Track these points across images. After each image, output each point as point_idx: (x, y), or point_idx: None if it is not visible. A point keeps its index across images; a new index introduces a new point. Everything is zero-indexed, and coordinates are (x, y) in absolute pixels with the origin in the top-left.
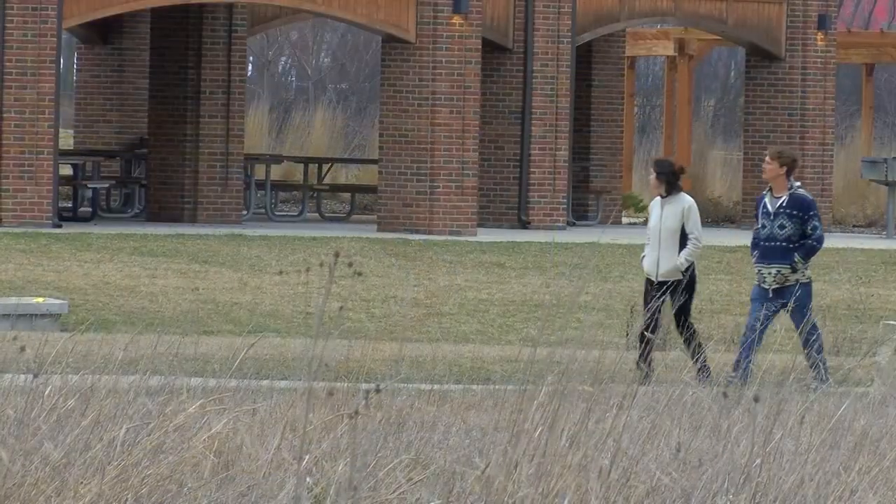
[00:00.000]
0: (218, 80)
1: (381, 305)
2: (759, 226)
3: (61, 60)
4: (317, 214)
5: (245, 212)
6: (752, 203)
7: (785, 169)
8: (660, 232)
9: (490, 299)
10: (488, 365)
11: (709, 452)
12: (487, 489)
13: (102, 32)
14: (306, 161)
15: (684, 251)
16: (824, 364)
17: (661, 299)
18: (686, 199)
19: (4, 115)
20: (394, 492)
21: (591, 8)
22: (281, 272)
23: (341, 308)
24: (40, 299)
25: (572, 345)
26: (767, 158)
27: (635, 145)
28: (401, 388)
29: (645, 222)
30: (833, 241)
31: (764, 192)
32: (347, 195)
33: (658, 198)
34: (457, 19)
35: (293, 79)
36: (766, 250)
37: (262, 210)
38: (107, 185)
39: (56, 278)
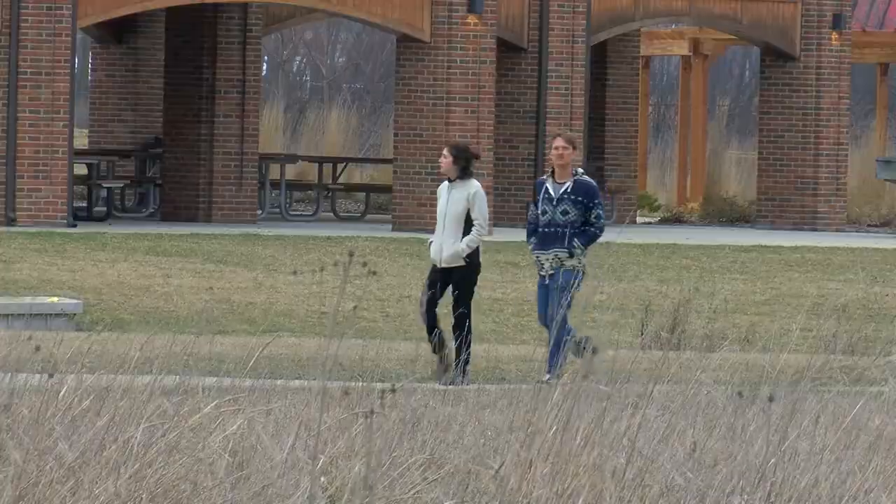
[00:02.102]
0: (233, 80)
1: (396, 305)
2: (539, 211)
3: (76, 60)
4: (331, 214)
5: (260, 211)
6: (768, 203)
7: (576, 154)
8: (445, 217)
9: (505, 298)
10: (503, 364)
11: (724, 452)
12: (502, 489)
13: (117, 32)
14: (321, 161)
15: (467, 238)
16: (559, 362)
17: (441, 286)
18: (474, 185)
19: (19, 114)
20: (409, 491)
21: (605, 8)
22: (295, 272)
23: (356, 307)
24: (55, 299)
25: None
26: (563, 143)
27: (650, 145)
28: (416, 387)
29: (661, 221)
30: (848, 240)
31: (544, 177)
32: (362, 195)
33: (446, 182)
34: (472, 19)
35: (308, 78)
36: (545, 236)
37: (277, 210)
38: (121, 185)
39: (71, 278)
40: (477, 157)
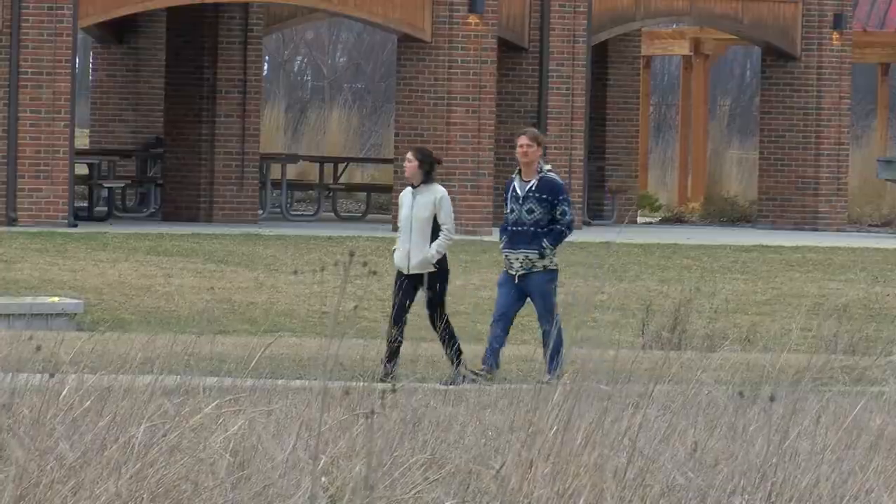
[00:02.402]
0: (234, 80)
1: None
2: (508, 210)
3: (77, 60)
4: (332, 214)
5: (261, 211)
6: (769, 203)
7: (541, 151)
8: (411, 223)
9: None
10: (504, 364)
11: (725, 452)
12: (503, 488)
13: (118, 32)
14: (322, 160)
15: (436, 243)
16: (559, 363)
17: (411, 293)
18: (439, 190)
19: (20, 114)
20: (410, 491)
21: (606, 7)
22: (296, 272)
23: (356, 307)
24: (56, 299)
25: (588, 344)
26: (527, 141)
27: (651, 145)
28: (416, 387)
29: (662, 221)
30: (849, 240)
31: (513, 176)
32: (363, 194)
33: (409, 188)
34: (472, 19)
35: (309, 78)
36: (513, 235)
37: (278, 209)
38: (122, 185)
39: (71, 278)
40: (439, 161)
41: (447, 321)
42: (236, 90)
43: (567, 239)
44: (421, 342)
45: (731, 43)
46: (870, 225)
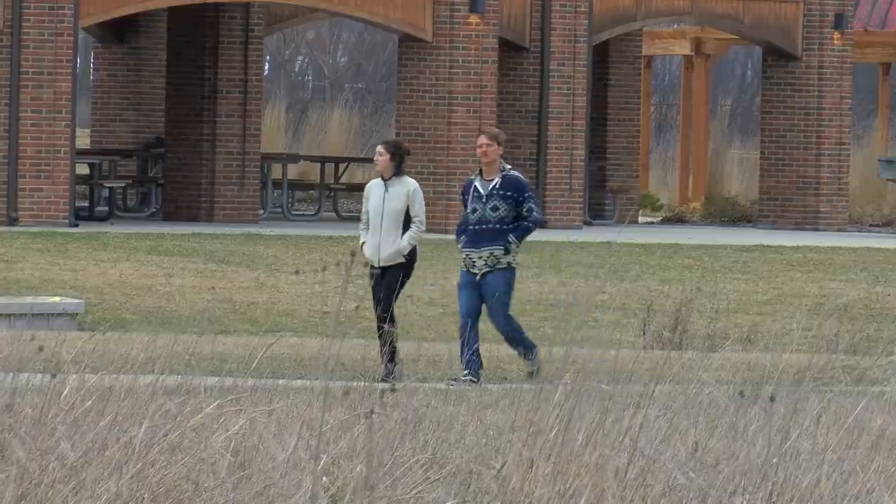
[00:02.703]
0: (235, 80)
1: (398, 305)
2: (469, 210)
3: (78, 60)
4: (333, 214)
5: (262, 211)
6: (770, 203)
7: (501, 150)
8: (382, 216)
9: None
10: (504, 364)
11: (725, 452)
12: (504, 488)
13: (119, 32)
14: (323, 160)
15: (407, 234)
16: (532, 353)
17: (385, 285)
18: (410, 182)
19: (21, 114)
20: (410, 491)
21: (607, 7)
22: (297, 271)
23: (357, 307)
24: (57, 299)
25: (588, 344)
26: (487, 140)
27: (652, 145)
28: (417, 387)
29: (663, 221)
30: (850, 240)
31: (472, 177)
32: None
33: (379, 180)
34: (473, 19)
35: (310, 78)
36: (476, 234)
37: (279, 209)
38: (123, 185)
39: (72, 277)
40: (408, 152)
41: (392, 316)
42: (237, 90)
43: (567, 239)
44: (422, 342)
45: (732, 43)
46: (871, 225)
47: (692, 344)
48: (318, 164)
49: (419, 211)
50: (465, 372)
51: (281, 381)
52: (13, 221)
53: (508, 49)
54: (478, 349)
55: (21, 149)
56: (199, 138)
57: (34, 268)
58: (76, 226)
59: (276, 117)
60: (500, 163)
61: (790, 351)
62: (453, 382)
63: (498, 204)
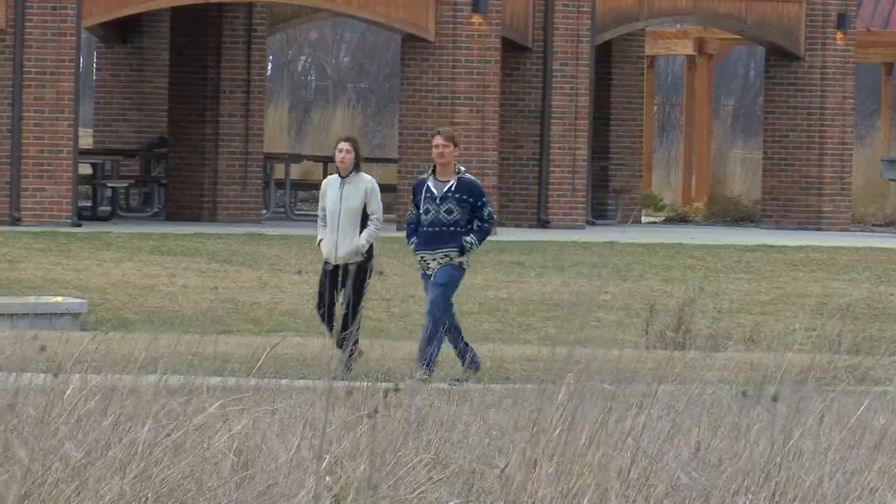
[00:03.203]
0: (237, 80)
1: (401, 304)
2: (422, 211)
3: (81, 60)
4: None
5: (264, 211)
6: (773, 203)
7: (457, 151)
8: (339, 213)
9: (509, 298)
10: (508, 364)
11: (728, 452)
12: (507, 488)
13: (122, 32)
14: (325, 160)
15: (365, 232)
16: (432, 359)
17: (337, 284)
18: (367, 179)
19: (24, 114)
20: (413, 491)
21: (610, 7)
22: (300, 271)
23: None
24: (59, 298)
25: (591, 344)
26: (443, 141)
27: (655, 144)
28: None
29: (666, 221)
30: (853, 240)
31: (424, 177)
32: None
33: (336, 177)
34: (476, 18)
35: (313, 78)
36: (430, 236)
37: (282, 209)
38: (126, 185)
39: (75, 277)
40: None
41: (358, 315)
42: (240, 90)
43: (569, 239)
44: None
45: (734, 42)
46: (873, 225)
47: (695, 344)
48: (321, 164)
49: (376, 209)
50: (467, 371)
51: (284, 381)
52: (16, 221)
53: (511, 49)
54: (464, 340)
55: (24, 149)
56: (201, 138)
57: (37, 268)
58: (79, 226)
59: (279, 117)
60: (455, 165)
61: (793, 351)
62: (456, 382)
63: (453, 207)
